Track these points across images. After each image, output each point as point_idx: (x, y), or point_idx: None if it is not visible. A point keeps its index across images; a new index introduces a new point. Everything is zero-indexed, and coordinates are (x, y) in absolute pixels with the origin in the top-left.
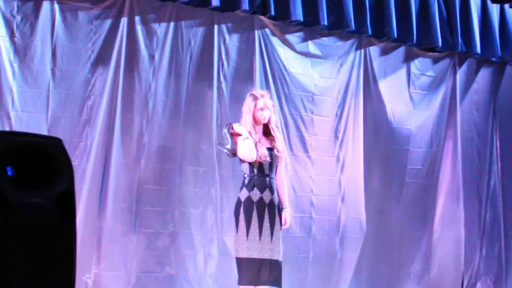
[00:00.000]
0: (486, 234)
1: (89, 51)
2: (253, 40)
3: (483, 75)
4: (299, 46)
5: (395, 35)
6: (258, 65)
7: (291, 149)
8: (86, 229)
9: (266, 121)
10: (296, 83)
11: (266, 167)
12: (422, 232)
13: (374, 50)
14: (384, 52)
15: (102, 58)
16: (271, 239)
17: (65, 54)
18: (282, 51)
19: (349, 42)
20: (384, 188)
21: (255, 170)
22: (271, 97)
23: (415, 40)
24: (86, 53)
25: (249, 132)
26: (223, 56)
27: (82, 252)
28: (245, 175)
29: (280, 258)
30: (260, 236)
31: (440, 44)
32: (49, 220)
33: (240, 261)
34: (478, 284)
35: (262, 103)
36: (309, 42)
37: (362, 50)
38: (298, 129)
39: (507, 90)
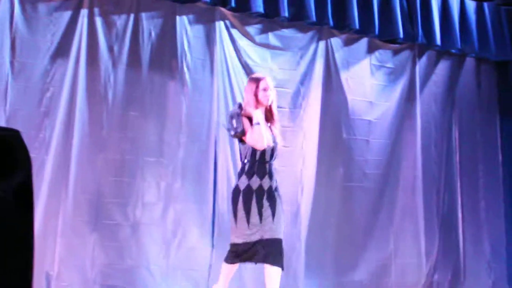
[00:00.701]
0: (444, 225)
1: (48, 42)
2: (214, 32)
3: (443, 67)
4: (259, 38)
5: (357, 27)
6: (219, 57)
7: None
8: (47, 222)
9: (269, 103)
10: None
11: (268, 154)
12: (383, 223)
13: (335, 42)
14: (346, 43)
15: (61, 50)
16: (273, 220)
17: (24, 46)
18: (242, 43)
19: (310, 34)
20: (344, 179)
21: (257, 156)
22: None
23: (376, 31)
24: (45, 45)
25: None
26: (186, 47)
27: (43, 245)
28: (246, 161)
29: (281, 237)
30: (260, 221)
31: (401, 36)
32: (5, 213)
33: (236, 245)
34: (436, 276)
35: (265, 84)
36: (269, 33)
37: (323, 42)
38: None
39: (466, 82)
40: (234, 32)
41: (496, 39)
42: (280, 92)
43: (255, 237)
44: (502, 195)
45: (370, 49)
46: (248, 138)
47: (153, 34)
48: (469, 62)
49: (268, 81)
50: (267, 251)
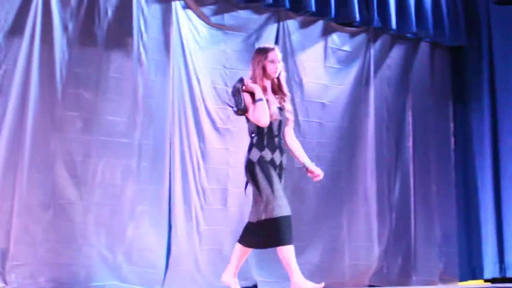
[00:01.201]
0: (396, 209)
1: (1, 20)
2: (170, 12)
3: (397, 51)
4: (215, 19)
5: (313, 9)
6: (174, 37)
7: (209, 121)
8: (2, 201)
9: (277, 75)
10: (208, 56)
11: (276, 127)
12: (335, 206)
13: (291, 24)
14: (302, 26)
15: (15, 28)
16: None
17: None
18: (197, 23)
19: (266, 16)
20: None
21: (265, 130)
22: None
23: (333, 14)
24: None
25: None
26: (142, 27)
27: None
28: (253, 135)
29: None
30: (283, 191)
31: (357, 19)
32: None
33: (275, 222)
34: (387, 259)
35: (274, 55)
36: (225, 15)
37: (279, 24)
38: (216, 101)
39: (420, 67)
40: (190, 12)
41: (451, 24)
42: (234, 73)
43: (288, 210)
44: (454, 179)
45: (326, 32)
46: (250, 115)
47: (109, 13)
48: (424, 46)
49: (277, 53)
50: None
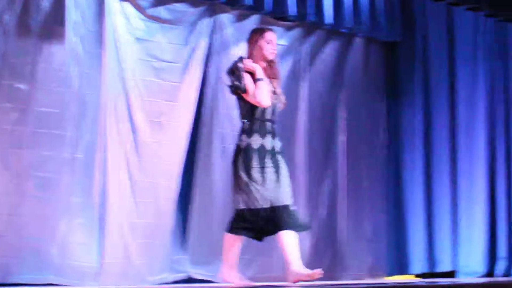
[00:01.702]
0: (327, 204)
1: None
2: (105, 3)
3: (332, 46)
4: (150, 11)
5: (249, 3)
6: (109, 29)
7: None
8: None
9: (272, 58)
10: (143, 49)
11: (269, 111)
12: None
13: (227, 18)
14: (237, 20)
15: None
16: (279, 184)
17: None
18: (132, 15)
19: (201, 9)
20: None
21: (257, 114)
22: None
23: (268, 8)
24: None
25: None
26: (78, 18)
27: None
28: (245, 120)
29: (289, 202)
30: (263, 183)
31: (292, 14)
32: None
33: (237, 212)
34: (316, 254)
35: (271, 36)
36: (160, 7)
37: (215, 17)
38: (149, 94)
39: (355, 62)
40: (126, 4)
41: (387, 19)
42: (169, 66)
43: (260, 203)
44: (385, 175)
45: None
46: (251, 96)
47: (45, 4)
48: (359, 42)
49: (274, 34)
50: (275, 222)
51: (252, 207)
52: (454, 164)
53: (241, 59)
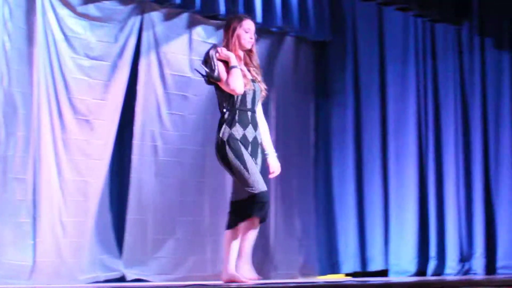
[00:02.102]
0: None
1: None
2: (35, 1)
3: (262, 45)
4: (80, 9)
5: (178, 1)
6: (39, 26)
7: (71, 112)
8: None
9: (250, 47)
10: (72, 46)
11: (249, 101)
12: (196, 198)
13: (156, 16)
14: (166, 18)
15: None
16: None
17: None
18: (63, 13)
19: (131, 7)
20: (161, 153)
21: (237, 104)
22: None
23: (198, 7)
24: None
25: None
26: (6, 15)
27: None
28: (225, 110)
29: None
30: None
31: (222, 12)
32: None
33: (251, 198)
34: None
35: (249, 24)
36: (90, 5)
37: (144, 16)
38: (78, 92)
39: (284, 61)
40: (56, 1)
41: (317, 19)
42: (98, 65)
43: (261, 186)
44: (313, 174)
45: (191, 25)
46: (224, 83)
47: None
48: (289, 40)
49: (252, 22)
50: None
51: (257, 192)
52: (385, 163)
53: (214, 46)
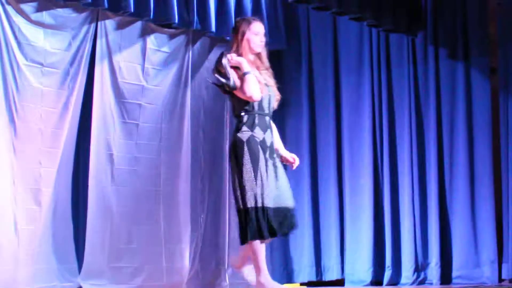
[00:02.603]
0: (210, 213)
1: None
2: None
3: (216, 53)
4: (35, 16)
5: (132, 10)
6: None
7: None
8: None
9: (260, 50)
10: (27, 54)
11: (266, 105)
12: (152, 208)
13: (109, 24)
14: (120, 26)
15: None
16: (276, 184)
17: None
18: (17, 20)
19: (84, 15)
20: (116, 162)
21: (256, 108)
22: None
23: (152, 15)
24: None
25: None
26: None
27: None
28: (243, 113)
29: (291, 205)
30: (276, 179)
31: (176, 21)
32: None
33: (247, 212)
34: (200, 264)
35: (258, 27)
36: (44, 12)
37: (97, 23)
38: (31, 99)
39: None
40: (10, 9)
41: (271, 28)
42: (51, 72)
43: (268, 202)
44: None
45: (145, 33)
46: (240, 91)
47: None
48: None
49: (261, 24)
50: (287, 222)
51: (264, 206)
52: (340, 172)
53: (223, 54)
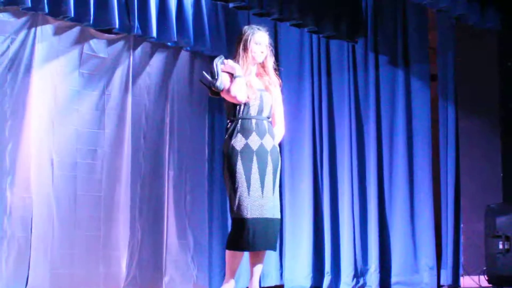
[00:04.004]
0: (148, 218)
1: None
2: None
3: (158, 59)
4: None
5: (72, 15)
6: None
7: None
8: None
9: (261, 60)
10: None
11: (254, 110)
12: (91, 213)
13: (47, 29)
14: (59, 31)
15: None
16: (272, 191)
17: None
18: None
19: (23, 19)
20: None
21: (240, 113)
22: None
23: (91, 20)
24: None
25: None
26: None
27: None
28: (228, 121)
29: (273, 216)
30: (262, 191)
31: (116, 26)
32: None
33: (232, 221)
34: (138, 269)
35: (261, 37)
36: None
37: (35, 28)
38: None
39: (180, 75)
40: None
41: (212, 33)
42: None
43: (262, 212)
44: (207, 188)
45: (83, 38)
46: (226, 92)
47: None
48: (185, 55)
49: (265, 36)
50: (269, 234)
51: (248, 217)
52: (280, 177)
53: (221, 57)
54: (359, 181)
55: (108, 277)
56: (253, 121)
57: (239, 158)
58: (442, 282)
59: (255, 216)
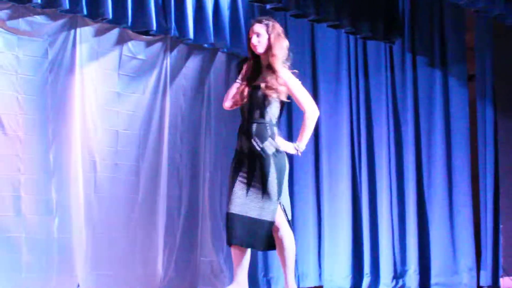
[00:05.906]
0: (186, 220)
1: None
2: None
3: (194, 61)
4: (9, 23)
5: (110, 17)
6: None
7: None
8: None
9: (261, 50)
10: (1, 61)
11: (246, 111)
12: (127, 214)
13: (86, 31)
14: (98, 33)
15: None
16: (246, 193)
17: None
18: None
19: (61, 22)
20: (100, 169)
21: (241, 116)
22: (268, 24)
23: (129, 22)
24: None
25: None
26: None
27: None
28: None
29: (257, 217)
30: (232, 188)
31: (154, 28)
32: None
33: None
34: (175, 271)
35: (252, 28)
36: (20, 19)
37: (75, 31)
38: (5, 107)
39: (216, 76)
40: None
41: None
42: (27, 79)
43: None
44: None
45: (122, 40)
46: None
47: None
48: (221, 56)
49: (254, 27)
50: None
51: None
52: (318, 179)
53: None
54: (397, 182)
55: (145, 278)
56: (244, 123)
57: (234, 157)
58: (481, 283)
59: (240, 213)
